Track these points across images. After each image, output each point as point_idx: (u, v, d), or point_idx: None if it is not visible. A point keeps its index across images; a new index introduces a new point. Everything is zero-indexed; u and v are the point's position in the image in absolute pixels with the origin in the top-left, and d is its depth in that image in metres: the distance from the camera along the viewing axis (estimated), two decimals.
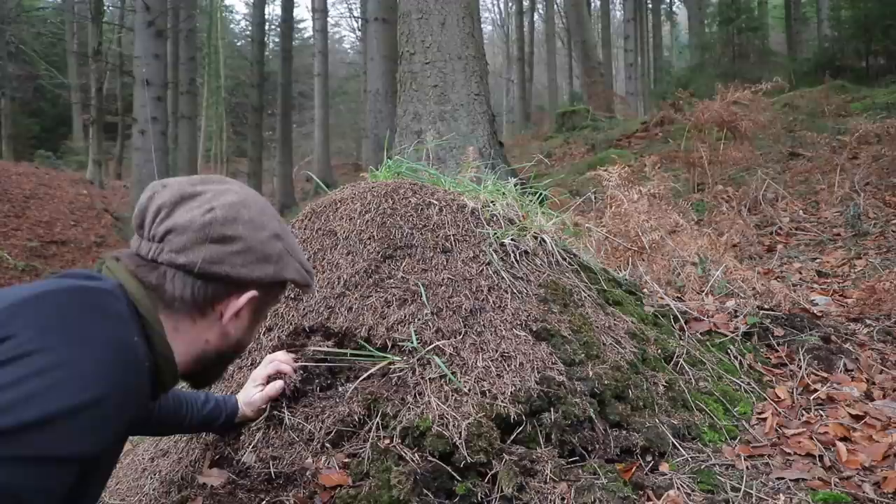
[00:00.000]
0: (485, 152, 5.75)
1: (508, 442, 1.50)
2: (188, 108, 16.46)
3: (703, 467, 1.56)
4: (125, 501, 1.66)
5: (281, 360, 1.64)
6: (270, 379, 1.62)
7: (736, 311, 2.35)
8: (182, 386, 1.44)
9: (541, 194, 2.30)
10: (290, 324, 1.81)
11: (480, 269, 1.81)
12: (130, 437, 2.41)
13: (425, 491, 1.39)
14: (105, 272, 1.03)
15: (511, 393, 1.54)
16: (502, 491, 1.39)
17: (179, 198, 1.03)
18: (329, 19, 24.21)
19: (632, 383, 1.68)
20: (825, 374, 2.01)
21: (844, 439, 1.67)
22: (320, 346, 1.72)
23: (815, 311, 2.45)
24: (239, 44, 33.13)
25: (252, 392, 1.61)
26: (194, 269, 1.01)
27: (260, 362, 1.75)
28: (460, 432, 1.44)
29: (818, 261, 3.74)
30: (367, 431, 1.54)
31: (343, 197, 2.02)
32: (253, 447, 1.60)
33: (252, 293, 1.06)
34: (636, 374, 1.74)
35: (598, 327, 1.82)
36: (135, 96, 11.95)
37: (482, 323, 1.69)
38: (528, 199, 2.20)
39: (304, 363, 1.68)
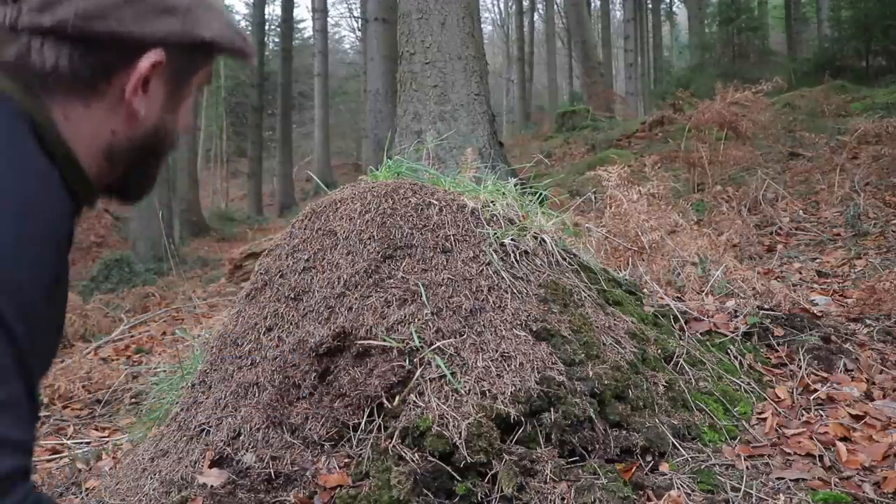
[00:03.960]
0: (485, 152, 5.75)
1: (508, 442, 1.50)
2: None
3: (703, 467, 1.56)
4: (125, 501, 1.66)
5: None
6: None
7: (736, 311, 2.35)
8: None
9: (541, 194, 2.30)
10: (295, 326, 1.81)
11: (480, 269, 1.81)
12: (130, 437, 2.42)
13: (425, 491, 1.39)
14: None
15: (511, 393, 1.54)
16: (502, 491, 1.39)
17: None
18: (329, 19, 24.23)
19: (632, 383, 1.68)
20: (825, 374, 2.01)
21: (844, 439, 1.67)
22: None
23: (815, 311, 2.45)
24: None
25: None
26: (66, 29, 0.75)
27: (260, 363, 1.74)
28: (460, 432, 1.44)
29: (818, 261, 3.74)
30: (367, 431, 1.54)
31: (343, 197, 2.02)
32: (253, 447, 1.60)
33: (157, 56, 0.79)
34: (636, 374, 1.74)
35: (598, 327, 1.82)
36: None
37: (482, 323, 1.69)
38: (528, 199, 2.20)
39: None
